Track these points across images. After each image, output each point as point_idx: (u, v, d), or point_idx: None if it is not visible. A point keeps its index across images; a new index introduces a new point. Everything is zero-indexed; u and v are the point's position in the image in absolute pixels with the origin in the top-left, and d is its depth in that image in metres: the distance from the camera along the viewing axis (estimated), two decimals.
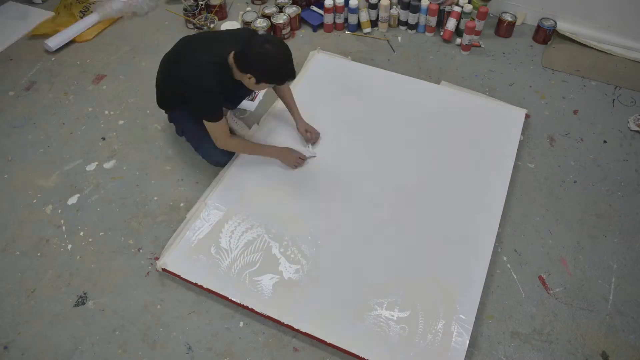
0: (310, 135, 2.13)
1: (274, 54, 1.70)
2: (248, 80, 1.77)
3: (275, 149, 2.07)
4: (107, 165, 2.18)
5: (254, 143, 2.09)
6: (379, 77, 2.48)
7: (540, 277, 1.82)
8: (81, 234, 1.95)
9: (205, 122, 1.87)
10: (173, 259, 1.79)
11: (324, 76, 2.48)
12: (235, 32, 1.99)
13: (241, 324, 1.70)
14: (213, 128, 1.88)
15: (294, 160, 2.05)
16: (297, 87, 2.40)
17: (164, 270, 1.77)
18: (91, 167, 2.17)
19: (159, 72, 2.02)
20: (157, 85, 2.06)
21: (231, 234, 1.87)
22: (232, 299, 1.70)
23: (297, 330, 1.63)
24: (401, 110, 2.32)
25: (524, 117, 2.27)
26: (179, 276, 1.76)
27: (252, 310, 1.67)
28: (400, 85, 2.44)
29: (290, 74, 1.76)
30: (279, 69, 1.73)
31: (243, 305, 1.68)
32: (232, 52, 1.78)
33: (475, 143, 2.18)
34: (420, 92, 2.40)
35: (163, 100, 2.08)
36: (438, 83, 2.47)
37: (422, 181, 2.04)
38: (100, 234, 1.95)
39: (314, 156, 2.09)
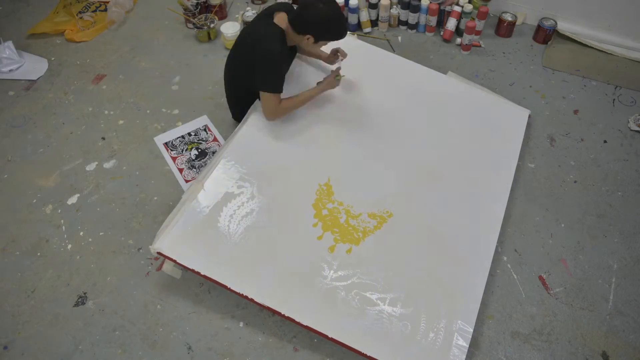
0: (341, 54, 2.15)
1: (330, 12, 1.80)
2: (306, 41, 1.86)
3: (316, 88, 2.05)
4: (107, 165, 2.18)
5: (296, 97, 2.00)
6: (384, 59, 2.40)
7: (540, 277, 1.82)
8: (81, 234, 1.95)
9: (262, 93, 1.89)
10: (168, 242, 1.68)
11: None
12: (284, 3, 2.01)
13: (241, 324, 1.71)
14: (270, 99, 1.89)
15: (334, 83, 2.08)
16: (300, 67, 2.26)
17: (159, 254, 1.67)
18: (91, 167, 2.17)
19: (225, 74, 2.09)
20: (226, 88, 2.13)
21: (230, 218, 1.78)
22: (231, 288, 1.63)
23: (298, 323, 1.59)
24: (408, 98, 2.24)
25: (527, 117, 2.26)
26: (175, 261, 1.67)
27: (251, 300, 1.62)
28: (406, 70, 2.36)
29: (346, 29, 1.88)
30: (336, 26, 1.84)
31: (242, 294, 1.62)
32: (286, 19, 1.85)
33: (480, 140, 2.14)
34: (425, 81, 2.33)
35: (232, 101, 2.16)
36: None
37: (425, 176, 2.00)
38: (100, 234, 1.95)
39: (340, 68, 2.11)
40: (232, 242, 1.74)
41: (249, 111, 2.07)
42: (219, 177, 1.88)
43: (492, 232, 1.86)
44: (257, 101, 2.07)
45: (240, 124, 2.04)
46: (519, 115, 2.27)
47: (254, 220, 1.80)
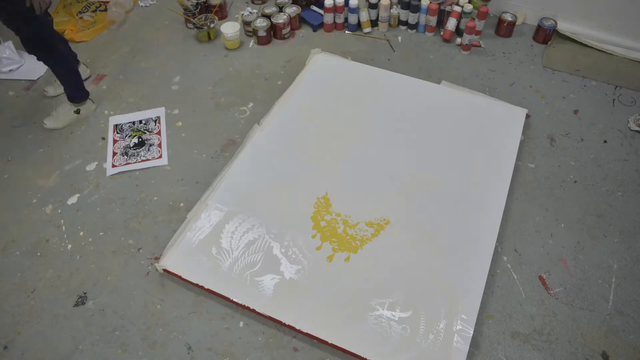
0: None
1: None
2: None
3: None
4: (107, 165, 2.18)
5: None
6: (379, 77, 2.48)
7: (540, 277, 1.82)
8: (81, 234, 1.95)
9: None
10: (174, 260, 1.79)
11: (325, 77, 2.47)
12: None
13: (241, 324, 1.71)
14: None
15: None
16: (298, 88, 2.39)
17: (165, 271, 1.76)
18: (91, 167, 2.17)
19: None
20: None
21: (232, 235, 1.86)
22: (234, 300, 1.70)
23: (298, 331, 1.63)
24: (402, 110, 2.31)
25: (524, 117, 2.27)
26: (180, 277, 1.75)
27: (253, 310, 1.67)
28: (400, 85, 2.43)
29: None
30: None
31: (244, 305, 1.68)
32: None
33: (476, 143, 2.17)
34: (420, 92, 2.40)
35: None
36: (438, 83, 2.46)
37: (422, 181, 2.03)
38: (100, 234, 1.95)
39: None
40: (234, 256, 1.81)
41: (248, 135, 2.19)
42: (222, 196, 1.97)
43: (490, 233, 1.87)
44: (255, 126, 2.20)
45: (240, 147, 2.15)
46: (515, 116, 2.28)
47: (254, 235, 1.87)
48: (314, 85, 2.43)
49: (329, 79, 2.47)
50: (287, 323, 1.64)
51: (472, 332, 1.62)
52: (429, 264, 1.79)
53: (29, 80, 2.54)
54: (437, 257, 1.81)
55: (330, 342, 1.59)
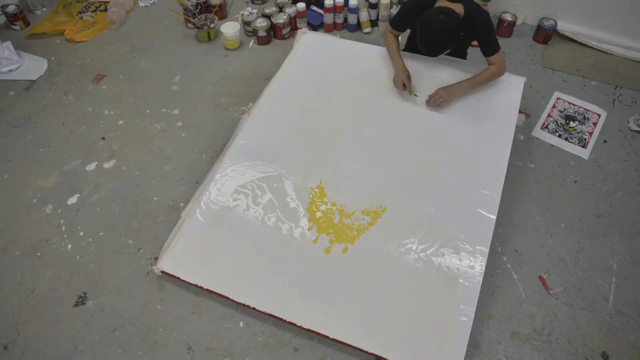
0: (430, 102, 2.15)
1: (427, 22, 1.88)
2: None
3: (397, 63, 2.19)
4: (107, 165, 2.18)
5: (394, 48, 2.23)
6: (369, 53, 2.38)
7: (540, 277, 1.82)
8: (81, 234, 1.95)
9: None
10: (171, 261, 1.77)
11: (314, 58, 2.38)
12: None
13: (241, 324, 1.71)
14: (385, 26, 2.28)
15: (399, 80, 2.15)
16: (286, 73, 2.31)
17: (163, 272, 1.75)
18: (91, 167, 2.17)
19: None
20: None
21: (228, 232, 1.84)
22: (233, 299, 1.69)
23: (300, 327, 1.62)
24: (390, 85, 2.21)
25: (522, 85, 2.20)
26: (178, 278, 1.74)
27: (253, 308, 1.66)
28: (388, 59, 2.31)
29: (424, 48, 1.96)
30: (420, 38, 1.94)
31: (244, 304, 1.67)
32: None
33: (472, 118, 2.09)
34: (416, 66, 2.27)
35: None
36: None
37: (418, 163, 1.97)
38: (100, 234, 1.95)
39: (415, 95, 2.18)
40: (232, 254, 1.79)
41: (238, 125, 2.14)
42: (215, 193, 1.93)
43: (489, 213, 1.81)
44: (245, 116, 2.15)
45: (231, 138, 2.10)
46: (513, 84, 2.20)
47: (250, 230, 1.84)
48: (302, 68, 2.34)
49: (318, 60, 2.37)
50: (287, 320, 1.63)
51: (470, 329, 1.60)
52: (428, 253, 1.75)
53: (29, 80, 2.54)
54: (436, 245, 1.77)
55: (331, 336, 1.59)
